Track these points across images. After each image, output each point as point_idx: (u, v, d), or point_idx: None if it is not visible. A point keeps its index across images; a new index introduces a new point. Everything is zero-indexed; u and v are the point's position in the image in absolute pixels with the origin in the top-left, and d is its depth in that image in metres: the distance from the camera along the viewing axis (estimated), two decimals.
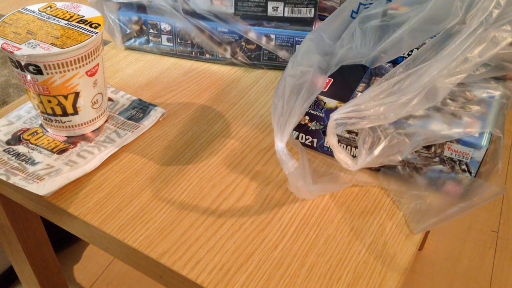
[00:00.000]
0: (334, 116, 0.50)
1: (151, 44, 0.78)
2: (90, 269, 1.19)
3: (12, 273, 1.09)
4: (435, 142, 0.51)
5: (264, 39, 0.73)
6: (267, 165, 0.59)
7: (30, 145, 0.59)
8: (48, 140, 0.60)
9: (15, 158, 0.58)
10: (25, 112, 0.64)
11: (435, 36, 0.52)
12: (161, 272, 0.49)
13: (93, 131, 0.62)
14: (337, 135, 0.54)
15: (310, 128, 0.59)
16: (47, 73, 0.54)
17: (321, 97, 0.56)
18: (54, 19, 0.58)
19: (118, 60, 0.77)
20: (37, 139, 0.60)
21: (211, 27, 0.73)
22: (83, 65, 0.55)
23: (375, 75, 0.60)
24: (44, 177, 0.55)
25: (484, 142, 0.50)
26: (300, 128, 0.59)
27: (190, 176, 0.57)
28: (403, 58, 0.62)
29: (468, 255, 1.27)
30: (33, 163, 0.57)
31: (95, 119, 0.61)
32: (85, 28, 0.56)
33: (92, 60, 0.56)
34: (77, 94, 0.57)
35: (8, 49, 0.52)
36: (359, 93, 0.56)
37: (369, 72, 0.60)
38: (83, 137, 0.61)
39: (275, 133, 0.50)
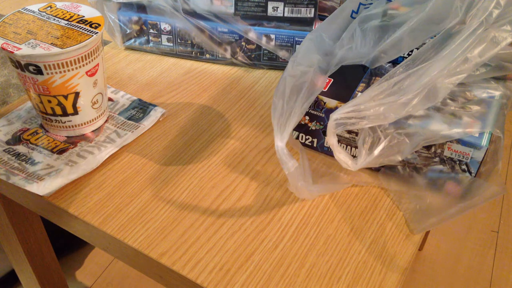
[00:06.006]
0: (334, 116, 0.50)
1: (151, 44, 0.78)
2: (90, 269, 1.19)
3: (13, 275, 1.09)
4: (435, 142, 0.51)
5: (264, 39, 0.73)
6: (267, 165, 0.59)
7: (30, 145, 0.59)
8: (48, 140, 0.60)
9: (15, 158, 0.58)
10: (25, 112, 0.64)
11: (435, 36, 0.52)
12: (161, 272, 0.49)
13: (93, 131, 0.62)
14: (337, 135, 0.54)
15: (310, 128, 0.59)
16: (47, 73, 0.54)
17: (321, 97, 0.56)
18: (54, 19, 0.58)
19: (118, 60, 0.77)
20: (37, 139, 0.60)
21: (211, 27, 0.73)
22: (83, 65, 0.55)
23: (375, 75, 0.60)
24: (44, 177, 0.55)
25: (484, 142, 0.50)
26: (300, 128, 0.59)
27: (190, 176, 0.57)
28: (403, 58, 0.62)
29: (468, 255, 1.27)
30: (33, 163, 0.57)
31: (95, 119, 0.61)
32: (85, 28, 0.56)
33: (92, 60, 0.56)
34: (77, 94, 0.57)
35: (8, 49, 0.52)
36: (359, 93, 0.56)
37: (369, 72, 0.60)
38: (83, 137, 0.61)
39: (275, 133, 0.50)
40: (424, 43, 0.52)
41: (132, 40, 0.78)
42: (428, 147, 0.53)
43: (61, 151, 0.59)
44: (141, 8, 0.75)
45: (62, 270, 0.95)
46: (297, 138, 0.60)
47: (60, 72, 0.54)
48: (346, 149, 0.57)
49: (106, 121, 0.63)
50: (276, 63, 0.75)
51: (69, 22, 0.57)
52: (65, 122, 0.59)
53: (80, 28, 0.56)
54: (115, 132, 0.62)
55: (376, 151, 0.51)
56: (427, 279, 1.21)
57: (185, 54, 0.77)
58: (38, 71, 0.53)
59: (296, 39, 0.72)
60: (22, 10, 0.59)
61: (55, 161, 0.57)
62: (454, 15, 0.51)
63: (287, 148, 0.49)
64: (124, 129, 0.62)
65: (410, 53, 0.61)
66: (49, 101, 0.57)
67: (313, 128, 0.58)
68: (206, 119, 0.66)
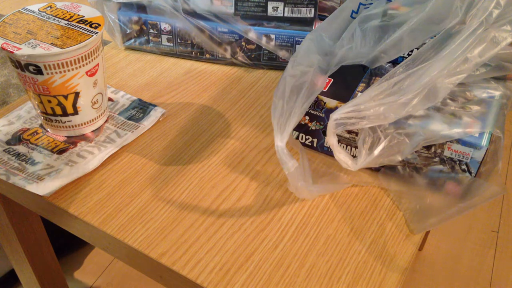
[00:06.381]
0: (334, 116, 0.50)
1: (151, 44, 0.78)
2: (90, 269, 1.19)
3: (13, 276, 1.09)
4: (435, 142, 0.51)
5: (264, 39, 0.73)
6: (267, 165, 0.59)
7: (30, 145, 0.59)
8: (48, 140, 0.60)
9: (15, 158, 0.58)
10: (25, 112, 0.64)
11: (435, 36, 0.52)
12: (161, 272, 0.49)
13: (93, 131, 0.62)
14: (337, 135, 0.54)
15: (310, 128, 0.59)
16: (47, 73, 0.54)
17: (321, 97, 0.56)
18: (54, 19, 0.58)
19: (118, 60, 0.77)
20: (37, 139, 0.60)
21: (211, 27, 0.73)
22: (83, 65, 0.55)
23: (375, 75, 0.60)
24: (44, 177, 0.55)
25: (484, 142, 0.50)
26: (300, 128, 0.59)
27: (190, 176, 0.57)
28: (403, 58, 0.62)
29: (468, 255, 1.27)
30: (33, 163, 0.57)
31: (95, 119, 0.61)
32: (85, 28, 0.56)
33: (92, 60, 0.56)
34: (77, 94, 0.57)
35: (8, 49, 0.52)
36: (359, 93, 0.56)
37: (369, 72, 0.60)
38: (83, 137, 0.61)
39: (275, 133, 0.50)
40: (424, 43, 0.52)
41: (132, 40, 0.78)
42: (428, 147, 0.53)
43: (61, 151, 0.59)
44: (141, 8, 0.75)
45: (62, 270, 0.95)
46: (297, 138, 0.60)
47: (60, 72, 0.54)
48: (346, 149, 0.57)
49: (106, 121, 0.63)
50: (276, 63, 0.76)
51: (69, 22, 0.57)
52: (65, 122, 0.59)
53: (80, 28, 0.56)
54: (115, 132, 0.62)
55: (376, 151, 0.51)
56: (427, 279, 1.21)
57: (185, 54, 0.77)
58: (38, 71, 0.53)
59: (296, 39, 0.72)
60: (22, 10, 0.59)
61: (55, 161, 0.57)
62: (454, 15, 0.51)
63: (287, 148, 0.49)
64: (124, 129, 0.62)
65: (410, 53, 0.61)
66: (49, 101, 0.57)
67: (313, 128, 0.58)
68: (206, 119, 0.66)
